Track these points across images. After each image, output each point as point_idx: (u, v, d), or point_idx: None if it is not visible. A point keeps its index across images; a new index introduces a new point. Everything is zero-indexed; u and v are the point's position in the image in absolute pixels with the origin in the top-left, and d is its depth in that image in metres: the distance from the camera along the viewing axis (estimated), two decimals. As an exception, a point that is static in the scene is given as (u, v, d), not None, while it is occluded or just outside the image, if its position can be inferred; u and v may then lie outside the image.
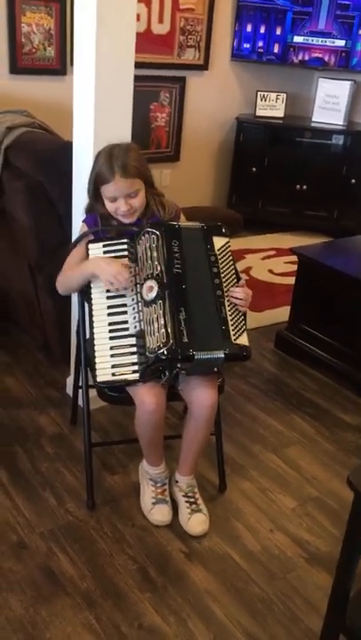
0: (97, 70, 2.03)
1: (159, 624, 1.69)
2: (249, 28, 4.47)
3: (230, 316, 1.82)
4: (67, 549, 1.88)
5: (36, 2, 3.58)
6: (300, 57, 4.57)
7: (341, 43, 4.49)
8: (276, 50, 4.55)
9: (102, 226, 1.96)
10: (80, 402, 2.28)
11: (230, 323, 1.81)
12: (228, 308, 1.83)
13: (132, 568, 1.85)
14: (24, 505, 2.03)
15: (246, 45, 4.52)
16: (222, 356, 1.76)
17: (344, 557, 1.50)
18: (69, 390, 2.54)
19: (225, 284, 1.86)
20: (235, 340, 1.79)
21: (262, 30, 4.48)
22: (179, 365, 1.78)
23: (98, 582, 1.79)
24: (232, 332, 1.79)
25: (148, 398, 1.82)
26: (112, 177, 1.86)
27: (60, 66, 3.80)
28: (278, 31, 4.49)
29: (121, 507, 2.06)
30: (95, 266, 1.89)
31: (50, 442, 2.32)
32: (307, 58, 4.57)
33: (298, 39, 4.52)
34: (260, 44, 4.51)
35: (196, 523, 2.00)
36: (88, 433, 2.07)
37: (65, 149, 2.31)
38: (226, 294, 1.84)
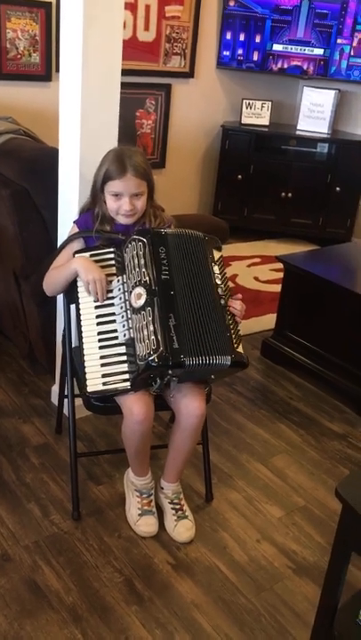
0: (83, 76, 2.02)
1: (146, 638, 1.67)
2: (229, 36, 4.49)
3: (231, 325, 1.83)
4: (52, 562, 1.86)
5: (22, 8, 3.57)
6: (279, 65, 4.59)
7: (320, 51, 4.53)
8: (255, 58, 4.57)
9: (96, 231, 1.96)
10: (65, 411, 2.26)
11: (232, 331, 1.82)
12: (228, 318, 1.84)
13: (118, 580, 1.82)
14: (8, 517, 2.00)
15: (226, 53, 4.55)
16: (229, 362, 1.76)
17: (332, 569, 1.49)
18: (54, 399, 2.52)
19: (226, 295, 1.87)
20: (236, 348, 1.80)
21: (242, 38, 4.50)
22: (170, 372, 1.76)
23: (83, 596, 1.76)
24: (234, 341, 1.81)
25: (136, 408, 1.81)
26: (123, 174, 1.87)
27: (45, 72, 3.78)
28: (258, 39, 4.51)
29: (107, 518, 2.04)
30: (79, 265, 1.89)
31: (34, 452, 2.29)
32: (286, 66, 4.60)
33: (277, 47, 4.55)
34: (240, 51, 4.54)
35: (182, 529, 1.98)
36: (73, 443, 2.05)
37: (50, 156, 2.29)
38: (228, 304, 1.86)
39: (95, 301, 1.88)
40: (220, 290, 1.85)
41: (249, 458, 2.39)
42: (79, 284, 1.92)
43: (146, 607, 1.75)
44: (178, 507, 2.03)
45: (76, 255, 1.93)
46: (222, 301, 1.84)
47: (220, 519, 2.09)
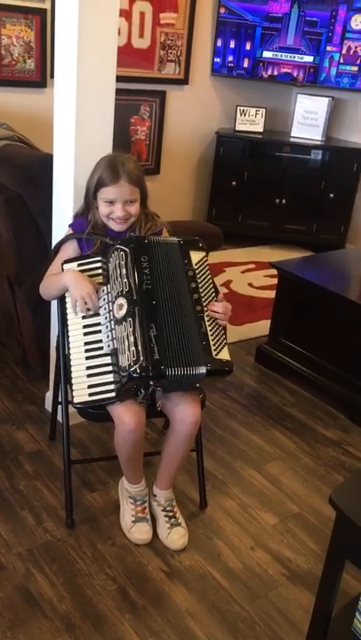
0: (78, 83, 2.02)
1: (139, 646, 1.66)
2: (219, 43, 4.52)
3: (210, 330, 1.81)
4: (45, 570, 1.85)
5: (17, 14, 3.57)
6: (269, 72, 4.62)
7: (310, 58, 4.56)
8: (245, 64, 4.59)
9: (88, 234, 1.96)
10: (59, 417, 2.25)
11: (211, 338, 1.80)
12: (208, 323, 1.82)
13: (112, 588, 1.81)
14: (1, 524, 1.99)
15: (217, 60, 4.57)
16: (204, 371, 1.74)
17: (326, 576, 1.49)
18: (48, 406, 2.51)
19: (204, 299, 1.85)
20: (216, 354, 1.78)
21: (232, 45, 4.52)
22: (151, 383, 1.76)
23: (77, 604, 1.75)
24: (213, 347, 1.78)
25: (127, 417, 1.80)
26: (117, 180, 1.87)
27: (39, 78, 3.79)
28: (248, 46, 4.54)
29: (100, 525, 2.03)
30: (69, 280, 1.89)
31: (28, 459, 2.28)
32: (276, 73, 4.63)
33: (267, 54, 4.57)
34: (231, 58, 4.56)
35: (176, 537, 1.98)
36: (67, 450, 2.04)
37: (45, 163, 2.29)
38: (205, 309, 1.84)
39: (86, 312, 1.88)
40: (196, 295, 1.84)
41: (243, 465, 2.39)
42: (67, 296, 1.91)
43: (139, 615, 1.74)
44: (171, 514, 2.02)
45: (65, 267, 1.93)
46: (198, 307, 1.82)
47: (214, 526, 2.08)
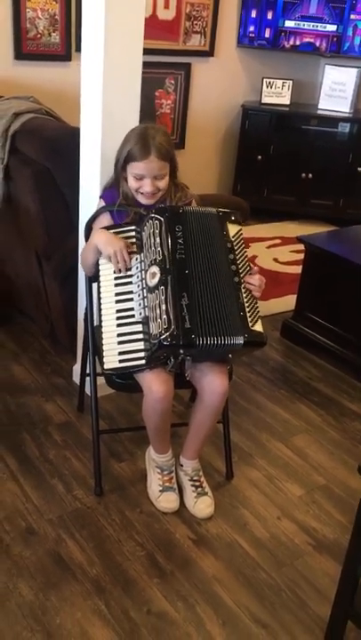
0: (105, 55, 2.01)
1: (168, 610, 1.70)
2: (254, 14, 4.42)
3: (247, 302, 1.83)
4: (75, 536, 1.89)
5: (41, -14, 3.55)
6: (291, 42, 4.52)
7: (333, 28, 4.45)
8: (267, 35, 4.50)
9: (119, 206, 1.96)
10: (87, 389, 2.29)
11: (247, 309, 1.81)
12: (244, 295, 1.83)
13: (141, 554, 1.86)
14: (32, 492, 2.04)
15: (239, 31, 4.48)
16: (242, 341, 1.76)
17: (353, 545, 1.51)
18: (76, 378, 2.54)
19: (241, 271, 1.86)
20: (252, 326, 1.79)
21: (254, 15, 4.43)
22: (181, 352, 1.77)
23: (106, 568, 1.80)
24: (249, 319, 1.80)
25: (155, 386, 1.82)
26: (147, 155, 1.86)
27: (64, 52, 3.77)
28: (270, 16, 4.44)
29: (128, 494, 2.07)
30: (99, 239, 1.90)
31: (57, 429, 2.33)
32: (298, 43, 4.53)
33: (289, 24, 4.47)
34: (252, 28, 4.47)
35: (202, 505, 2.01)
36: (96, 420, 2.08)
37: (72, 136, 2.29)
38: (242, 281, 1.85)
39: (119, 272, 1.88)
40: (234, 267, 1.85)
41: (269, 437, 2.40)
42: (100, 261, 1.93)
43: (167, 580, 1.78)
44: (198, 483, 2.05)
45: (97, 230, 1.94)
46: (236, 279, 1.84)
47: (240, 497, 2.11)
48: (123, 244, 1.87)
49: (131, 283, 1.88)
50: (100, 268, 1.92)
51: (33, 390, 2.54)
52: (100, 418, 2.27)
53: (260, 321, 1.83)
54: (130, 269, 1.89)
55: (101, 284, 1.91)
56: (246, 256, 1.92)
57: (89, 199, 2.20)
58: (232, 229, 1.91)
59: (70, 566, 1.80)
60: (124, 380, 1.90)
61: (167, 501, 2.01)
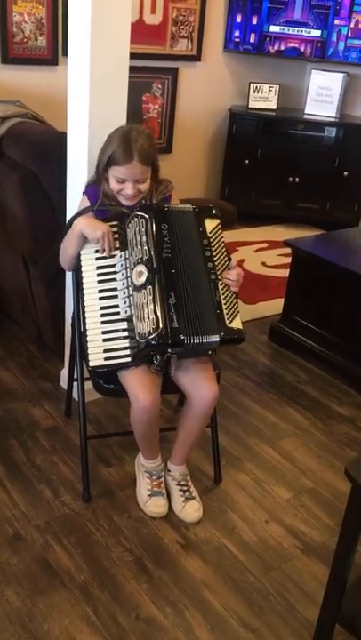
0: (92, 59, 2.01)
1: (156, 615, 1.69)
2: (239, 19, 4.44)
3: (224, 299, 1.83)
4: (63, 542, 1.88)
5: (28, -9, 3.54)
6: (276, 47, 4.54)
7: (317, 33, 4.48)
8: (252, 40, 4.52)
9: (101, 205, 1.95)
10: (75, 394, 2.28)
11: (224, 306, 1.82)
12: (221, 292, 1.83)
13: (129, 559, 1.85)
14: (20, 498, 2.02)
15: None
16: (217, 339, 1.77)
17: (341, 548, 1.51)
18: (63, 383, 2.53)
19: (218, 267, 1.86)
20: (229, 323, 1.80)
21: (239, 19, 4.45)
22: (169, 350, 1.78)
23: (94, 574, 1.79)
24: (226, 316, 1.80)
25: (142, 395, 1.82)
26: (129, 160, 1.85)
27: (51, 56, 3.76)
28: (254, 21, 4.46)
29: (117, 499, 2.06)
30: (83, 224, 1.89)
31: (45, 434, 2.32)
32: (283, 48, 4.55)
33: (274, 29, 4.50)
34: (237, 33, 4.49)
35: (190, 510, 2.01)
36: (83, 425, 2.07)
37: (59, 140, 2.29)
38: (219, 277, 1.85)
39: (103, 252, 1.89)
40: (210, 264, 1.85)
41: (257, 441, 2.41)
42: (82, 252, 1.92)
43: (156, 585, 1.78)
44: (185, 488, 2.05)
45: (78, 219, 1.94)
46: (213, 276, 1.84)
47: (228, 500, 2.11)
48: (107, 227, 1.88)
49: (115, 280, 1.88)
50: (82, 258, 1.92)
51: (20, 395, 2.53)
52: (88, 422, 2.26)
53: (238, 317, 1.83)
54: (114, 257, 1.88)
55: (84, 280, 1.90)
56: (225, 251, 1.91)
57: (75, 203, 2.19)
58: (209, 225, 1.91)
59: (58, 572, 1.79)
60: (112, 385, 1.90)
61: (156, 506, 2.01)
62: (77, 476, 2.10)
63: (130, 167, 1.86)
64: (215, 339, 1.77)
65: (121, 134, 1.90)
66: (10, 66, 3.63)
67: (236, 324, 1.82)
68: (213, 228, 1.91)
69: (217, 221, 1.93)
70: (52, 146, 2.35)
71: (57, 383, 2.61)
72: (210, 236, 1.89)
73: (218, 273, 1.85)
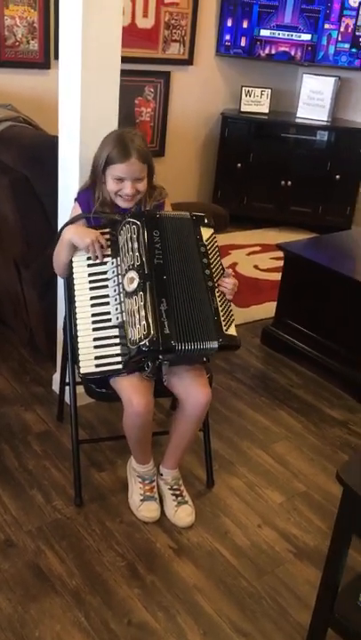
0: (83, 63, 2.01)
1: (148, 620, 1.68)
2: (229, 23, 4.45)
3: (221, 306, 1.84)
4: (55, 547, 1.87)
5: (20, -6, 3.54)
6: (266, 51, 4.56)
7: (307, 37, 4.50)
8: (243, 43, 4.54)
9: (95, 213, 1.95)
10: (67, 398, 2.27)
11: (221, 313, 1.82)
12: (218, 299, 1.84)
13: (121, 564, 1.84)
14: (11, 503, 2.01)
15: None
16: (216, 346, 1.77)
17: (333, 551, 1.51)
18: (55, 387, 2.52)
19: (215, 275, 1.87)
20: (226, 330, 1.80)
21: (230, 23, 4.47)
22: (160, 357, 1.78)
23: (86, 579, 1.78)
24: (223, 323, 1.81)
25: (135, 399, 1.82)
26: (128, 157, 1.86)
27: (43, 59, 3.76)
28: (245, 24, 4.48)
29: (109, 503, 2.05)
30: (71, 233, 1.90)
31: (36, 439, 2.31)
32: (273, 51, 4.57)
33: (264, 33, 4.52)
34: (228, 37, 4.50)
35: (183, 514, 2.00)
36: (75, 430, 2.06)
37: (51, 144, 2.28)
38: (216, 284, 1.85)
39: (95, 259, 1.89)
40: (208, 271, 1.86)
41: (250, 444, 2.41)
42: (74, 259, 1.92)
43: (148, 590, 1.77)
44: (178, 492, 2.04)
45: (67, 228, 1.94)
46: (210, 283, 1.85)
47: (221, 505, 2.10)
48: (96, 233, 1.88)
49: (107, 287, 1.88)
50: (74, 265, 1.92)
51: (12, 400, 2.52)
52: (80, 427, 2.25)
53: (233, 324, 1.85)
54: (105, 264, 1.89)
55: (75, 281, 1.91)
56: (219, 259, 1.92)
57: (67, 207, 2.19)
58: (205, 233, 1.92)
59: (50, 578, 1.78)
60: (104, 389, 1.89)
61: (148, 511, 2.00)
62: (69, 481, 2.09)
63: (129, 164, 1.87)
64: (214, 345, 1.77)
65: (116, 136, 1.92)
66: (1, 69, 3.63)
67: (232, 330, 1.83)
68: (209, 237, 1.93)
69: (211, 230, 1.95)
70: (44, 149, 2.34)
71: (49, 387, 2.60)
72: (206, 243, 1.90)
73: (215, 280, 1.86)
